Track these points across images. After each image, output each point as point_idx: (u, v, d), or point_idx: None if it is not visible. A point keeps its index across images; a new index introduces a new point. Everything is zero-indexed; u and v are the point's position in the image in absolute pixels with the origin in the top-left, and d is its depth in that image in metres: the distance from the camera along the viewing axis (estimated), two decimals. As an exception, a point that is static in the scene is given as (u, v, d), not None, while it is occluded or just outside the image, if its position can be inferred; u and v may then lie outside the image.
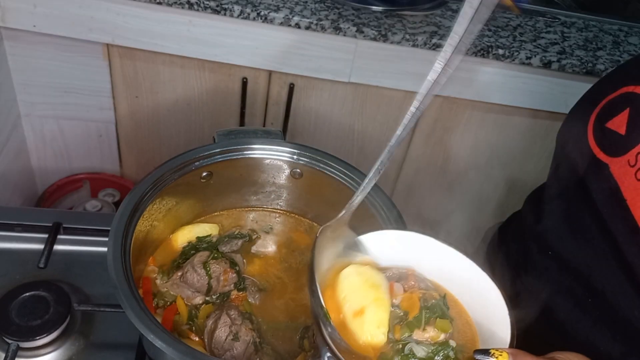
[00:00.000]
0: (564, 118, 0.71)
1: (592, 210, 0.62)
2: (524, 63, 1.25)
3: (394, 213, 0.79)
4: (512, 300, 0.76)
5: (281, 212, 0.94)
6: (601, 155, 0.61)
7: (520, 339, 0.75)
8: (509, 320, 0.56)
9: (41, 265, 0.81)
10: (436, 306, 0.58)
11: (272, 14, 1.18)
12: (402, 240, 0.63)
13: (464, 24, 0.49)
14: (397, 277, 0.61)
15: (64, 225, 0.87)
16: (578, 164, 0.65)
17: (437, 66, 0.52)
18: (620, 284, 0.59)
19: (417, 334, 0.56)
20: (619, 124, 0.60)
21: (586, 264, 0.64)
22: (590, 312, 0.64)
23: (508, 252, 0.81)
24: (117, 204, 1.49)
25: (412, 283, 0.60)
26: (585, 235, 0.64)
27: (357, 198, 0.64)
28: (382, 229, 0.79)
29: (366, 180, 0.63)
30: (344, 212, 0.65)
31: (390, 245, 0.63)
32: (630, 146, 0.58)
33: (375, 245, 0.63)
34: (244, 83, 1.31)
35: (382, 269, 0.62)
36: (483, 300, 0.59)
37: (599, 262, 0.62)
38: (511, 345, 0.54)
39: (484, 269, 0.60)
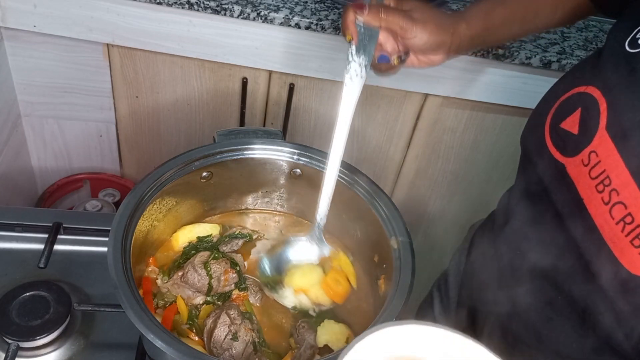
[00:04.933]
0: (526, 121, 0.73)
1: (553, 210, 0.64)
2: (524, 63, 1.25)
3: (395, 214, 0.79)
4: (489, 300, 0.77)
5: (281, 212, 0.94)
6: (558, 156, 0.63)
7: (496, 337, 0.75)
8: None
9: (41, 265, 0.81)
10: None
11: (272, 14, 1.18)
12: (403, 334, 0.57)
13: None
14: None
15: (64, 225, 0.87)
16: (538, 165, 0.66)
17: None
18: (583, 282, 0.61)
19: None
20: (571, 124, 0.61)
21: (552, 263, 0.65)
22: (560, 310, 0.65)
23: (484, 252, 0.82)
24: (117, 204, 1.49)
25: None
26: (548, 235, 0.65)
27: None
28: (382, 228, 0.79)
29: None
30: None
31: (391, 341, 0.57)
32: (582, 146, 0.59)
33: (375, 344, 0.58)
34: (244, 83, 1.31)
35: None
36: None
37: (564, 261, 0.63)
38: None
39: (497, 355, 0.58)
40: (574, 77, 0.65)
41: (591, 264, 0.58)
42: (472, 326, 0.82)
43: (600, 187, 0.57)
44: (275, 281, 0.81)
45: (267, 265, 0.82)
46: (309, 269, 0.82)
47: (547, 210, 0.65)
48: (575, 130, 0.61)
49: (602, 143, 0.57)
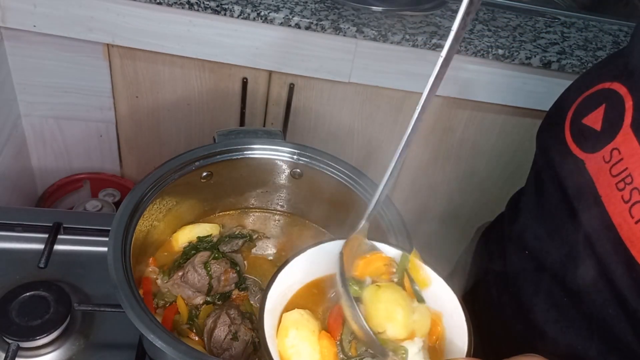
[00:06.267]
0: (544, 116, 0.72)
1: (567, 207, 0.63)
2: (524, 63, 1.26)
3: (395, 214, 0.79)
4: (493, 302, 0.76)
5: (281, 212, 0.94)
6: (577, 152, 0.61)
7: (500, 339, 0.75)
8: (467, 329, 0.55)
9: (41, 265, 0.81)
10: None
11: (272, 14, 1.18)
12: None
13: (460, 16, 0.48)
14: None
15: (64, 225, 0.87)
16: (555, 160, 0.65)
17: (439, 60, 0.51)
18: (594, 282, 0.59)
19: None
20: (594, 120, 0.60)
21: (561, 263, 0.64)
22: (567, 312, 0.64)
23: (490, 253, 0.81)
24: (117, 204, 1.49)
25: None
26: (560, 234, 0.64)
27: (372, 206, 0.59)
28: (382, 229, 0.79)
29: (381, 187, 0.59)
30: (363, 222, 0.60)
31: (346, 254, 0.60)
32: (605, 142, 0.58)
33: (328, 255, 0.60)
34: (244, 83, 1.31)
35: None
36: (441, 307, 0.59)
37: (574, 261, 0.62)
38: (468, 354, 0.54)
39: (440, 275, 0.59)
40: (599, 72, 0.64)
41: (606, 264, 0.57)
42: (475, 327, 0.82)
43: (621, 185, 0.55)
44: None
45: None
46: (391, 289, 0.56)
47: (562, 209, 0.64)
48: (597, 126, 0.59)
49: (626, 141, 0.56)
